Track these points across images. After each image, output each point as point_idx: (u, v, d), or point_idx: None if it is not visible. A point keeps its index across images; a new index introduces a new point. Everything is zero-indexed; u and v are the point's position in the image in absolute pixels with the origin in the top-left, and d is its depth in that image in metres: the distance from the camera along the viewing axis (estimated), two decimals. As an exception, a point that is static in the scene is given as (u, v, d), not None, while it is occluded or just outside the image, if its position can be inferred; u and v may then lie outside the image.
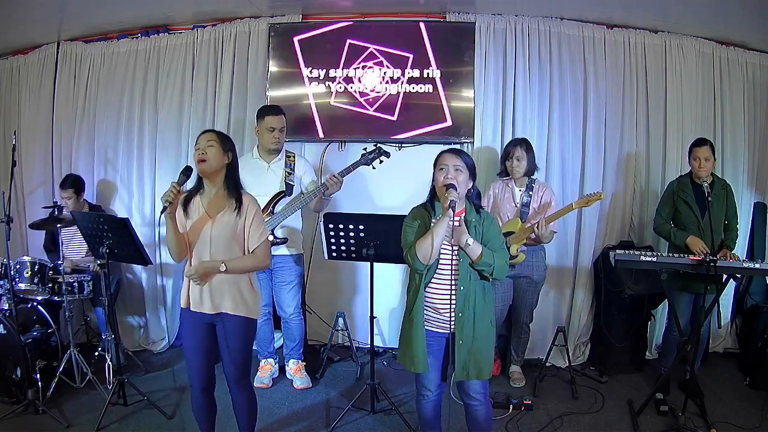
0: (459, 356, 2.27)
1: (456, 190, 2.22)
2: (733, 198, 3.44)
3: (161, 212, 2.29)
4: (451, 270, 2.26)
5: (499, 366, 3.77)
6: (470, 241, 2.23)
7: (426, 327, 2.32)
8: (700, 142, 3.36)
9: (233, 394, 2.50)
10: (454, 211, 2.19)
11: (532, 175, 3.52)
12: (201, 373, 2.43)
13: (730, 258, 3.20)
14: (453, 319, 2.26)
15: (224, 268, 2.33)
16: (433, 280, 2.29)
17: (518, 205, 3.46)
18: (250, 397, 2.54)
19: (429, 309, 2.32)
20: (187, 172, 2.39)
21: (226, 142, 2.43)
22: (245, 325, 2.43)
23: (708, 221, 3.10)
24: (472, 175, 2.35)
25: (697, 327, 3.02)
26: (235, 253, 2.39)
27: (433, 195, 2.37)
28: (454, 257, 2.28)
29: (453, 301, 2.23)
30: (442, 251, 2.28)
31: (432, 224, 2.27)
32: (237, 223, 2.37)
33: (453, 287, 2.22)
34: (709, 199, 3.06)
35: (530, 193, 3.47)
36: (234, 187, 2.41)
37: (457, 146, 4.05)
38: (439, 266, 2.28)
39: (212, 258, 2.35)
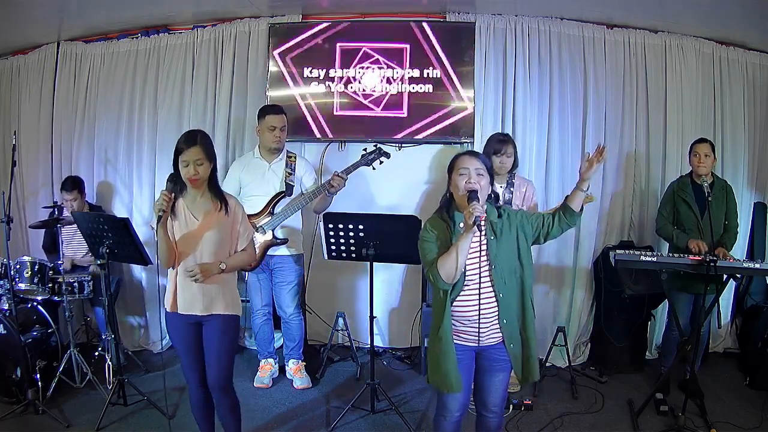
0: (515, 363, 2.15)
1: (478, 200, 2.02)
2: (733, 198, 3.44)
3: (157, 222, 2.29)
4: (479, 279, 2.07)
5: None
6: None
7: (454, 341, 2.16)
8: (700, 140, 3.39)
9: (217, 400, 2.48)
10: (480, 229, 1.97)
11: (513, 170, 3.46)
12: (196, 367, 2.45)
13: (724, 256, 3.16)
14: (480, 331, 2.10)
15: (224, 267, 2.36)
16: (461, 294, 2.11)
17: (501, 203, 3.41)
18: (234, 401, 2.53)
19: (457, 322, 2.14)
20: (173, 179, 2.37)
21: (210, 151, 2.37)
22: (233, 322, 2.47)
23: (708, 221, 3.10)
24: (491, 177, 2.20)
25: (697, 327, 3.02)
26: (225, 252, 2.42)
27: (449, 202, 2.18)
28: (483, 264, 2.09)
29: (491, 311, 2.10)
30: (470, 261, 2.08)
31: (454, 238, 2.08)
32: (226, 224, 2.40)
33: (489, 297, 2.09)
34: (709, 199, 3.06)
35: (511, 189, 3.39)
36: (217, 189, 2.43)
37: (457, 146, 4.08)
38: (467, 278, 2.09)
39: (201, 259, 2.35)
